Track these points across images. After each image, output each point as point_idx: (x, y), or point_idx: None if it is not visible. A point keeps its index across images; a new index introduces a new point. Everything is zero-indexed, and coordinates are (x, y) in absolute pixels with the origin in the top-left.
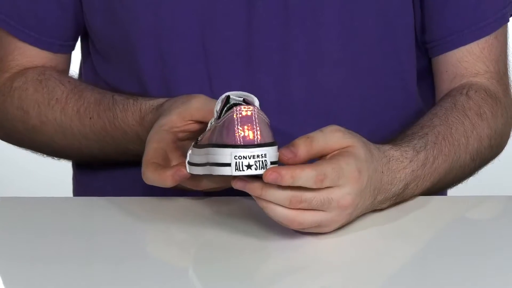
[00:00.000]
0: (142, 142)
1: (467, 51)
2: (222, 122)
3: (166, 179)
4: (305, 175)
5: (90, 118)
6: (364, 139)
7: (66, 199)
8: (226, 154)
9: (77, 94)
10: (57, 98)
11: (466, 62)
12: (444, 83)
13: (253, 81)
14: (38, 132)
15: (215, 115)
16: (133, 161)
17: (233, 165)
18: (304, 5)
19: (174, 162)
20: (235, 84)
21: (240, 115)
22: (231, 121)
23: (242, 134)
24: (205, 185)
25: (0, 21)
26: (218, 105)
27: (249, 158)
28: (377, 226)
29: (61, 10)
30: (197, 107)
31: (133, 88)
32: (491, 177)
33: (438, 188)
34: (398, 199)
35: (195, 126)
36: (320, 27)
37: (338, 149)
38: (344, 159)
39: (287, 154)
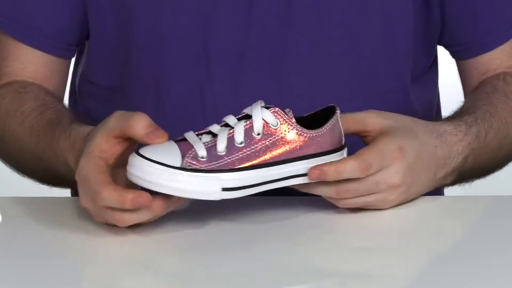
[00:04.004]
0: (71, 169)
1: (498, 49)
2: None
3: (124, 201)
4: (350, 168)
5: (38, 135)
6: (403, 119)
7: (65, 199)
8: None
9: (40, 110)
10: (22, 111)
11: (498, 59)
12: (475, 79)
13: (253, 82)
14: (2, 141)
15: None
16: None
17: None
18: (309, 7)
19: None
20: (236, 86)
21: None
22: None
23: None
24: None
25: (2, 24)
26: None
27: None
28: (377, 225)
29: (68, 12)
30: (114, 123)
31: (122, 89)
32: (491, 177)
33: (491, 167)
34: (460, 174)
35: (119, 148)
36: (325, 28)
37: (374, 131)
38: (383, 140)
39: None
